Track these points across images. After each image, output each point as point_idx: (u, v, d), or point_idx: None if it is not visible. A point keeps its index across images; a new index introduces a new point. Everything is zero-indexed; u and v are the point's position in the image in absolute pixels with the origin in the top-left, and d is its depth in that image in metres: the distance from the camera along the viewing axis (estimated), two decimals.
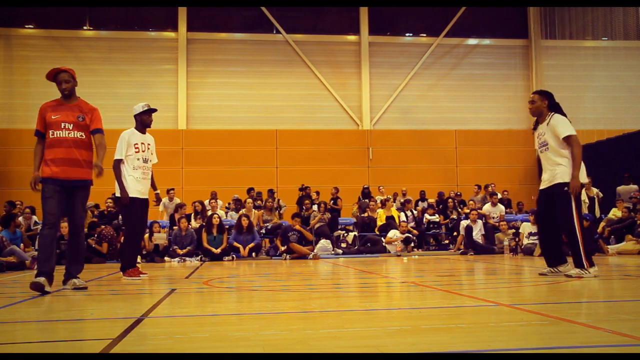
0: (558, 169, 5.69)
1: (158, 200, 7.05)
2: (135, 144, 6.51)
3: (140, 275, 6.56)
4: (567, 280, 5.42)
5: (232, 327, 3.10)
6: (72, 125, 5.18)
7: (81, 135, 5.22)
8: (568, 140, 5.66)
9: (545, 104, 5.90)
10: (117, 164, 6.47)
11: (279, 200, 15.04)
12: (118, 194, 6.53)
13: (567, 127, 5.69)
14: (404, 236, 12.51)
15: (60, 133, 5.14)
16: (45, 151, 5.17)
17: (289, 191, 16.53)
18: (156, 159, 6.84)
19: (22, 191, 15.56)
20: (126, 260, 6.63)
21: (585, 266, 5.57)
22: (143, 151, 6.55)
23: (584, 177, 5.70)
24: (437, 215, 14.79)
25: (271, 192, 15.36)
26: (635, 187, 13.47)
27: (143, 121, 6.64)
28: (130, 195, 6.42)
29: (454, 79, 19.55)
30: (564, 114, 5.83)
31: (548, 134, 5.79)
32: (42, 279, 4.88)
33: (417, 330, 2.82)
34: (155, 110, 6.73)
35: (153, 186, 6.87)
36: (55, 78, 5.25)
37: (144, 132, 6.68)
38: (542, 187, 5.95)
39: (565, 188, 5.61)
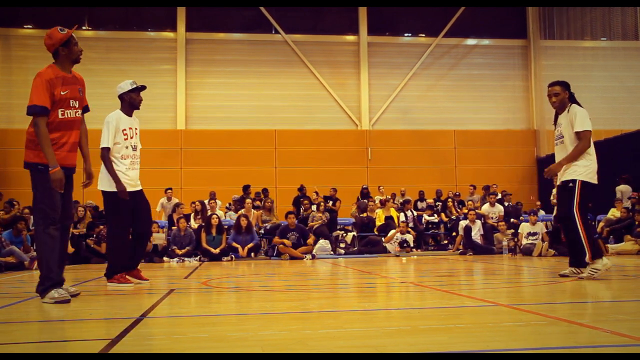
0: (569, 167, 5.55)
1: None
2: (123, 130, 5.63)
3: (128, 283, 5.59)
4: (567, 280, 5.42)
5: (231, 327, 3.10)
6: (77, 102, 4.48)
7: (80, 115, 4.55)
8: (579, 134, 5.51)
9: (567, 95, 5.73)
10: (106, 152, 5.56)
11: (271, 201, 15.04)
12: (104, 188, 5.58)
13: (585, 120, 5.52)
14: (402, 237, 12.51)
15: (70, 113, 4.41)
16: (51, 134, 4.29)
17: (288, 191, 16.52)
18: (140, 144, 5.90)
19: (20, 191, 15.56)
20: (111, 262, 5.69)
21: (587, 258, 5.39)
22: (131, 137, 5.69)
23: (593, 178, 5.54)
24: (435, 216, 14.78)
25: (265, 192, 15.39)
26: (628, 187, 13.52)
27: (132, 101, 5.73)
28: (109, 189, 5.56)
29: (452, 79, 19.55)
30: (579, 104, 5.68)
31: (565, 126, 5.63)
32: (66, 294, 4.24)
33: (415, 330, 2.82)
34: (144, 87, 5.87)
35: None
36: (70, 41, 4.50)
37: (130, 115, 5.78)
38: (557, 183, 5.83)
39: (570, 184, 5.50)
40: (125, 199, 5.54)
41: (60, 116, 4.35)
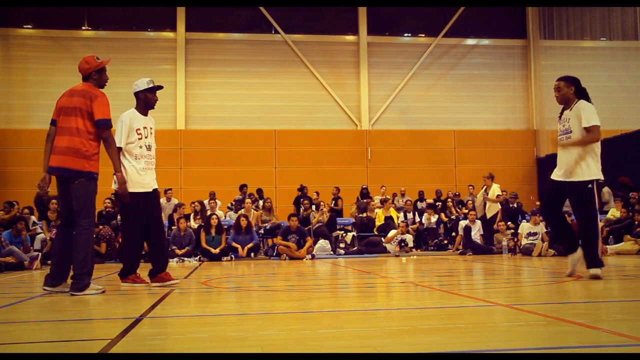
0: (578, 165, 5.47)
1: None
2: (137, 129, 5.46)
3: (143, 283, 5.54)
4: (566, 280, 5.42)
5: (231, 327, 3.10)
6: None
7: None
8: (589, 128, 5.42)
9: (572, 91, 5.66)
10: (118, 152, 5.41)
11: (270, 201, 15.04)
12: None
13: (593, 115, 5.45)
14: (401, 237, 12.51)
15: None
16: (96, 144, 4.92)
17: (288, 191, 16.52)
18: (155, 144, 5.73)
19: (19, 191, 15.56)
20: (126, 263, 5.63)
21: (603, 264, 5.44)
22: (146, 137, 5.51)
23: (599, 174, 5.49)
24: (435, 215, 14.70)
25: (259, 192, 15.38)
26: (607, 189, 13.61)
27: (147, 100, 5.61)
28: (132, 190, 5.34)
29: (452, 79, 19.55)
30: (590, 102, 5.61)
31: (572, 121, 5.56)
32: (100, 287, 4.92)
33: (415, 330, 2.82)
34: (161, 87, 5.75)
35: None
36: (103, 70, 5.21)
37: (145, 114, 5.63)
38: (554, 177, 5.68)
39: (590, 185, 5.40)
40: (137, 203, 5.39)
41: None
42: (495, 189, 12.77)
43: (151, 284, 5.47)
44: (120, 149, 5.40)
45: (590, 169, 5.45)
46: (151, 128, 5.61)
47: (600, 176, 5.48)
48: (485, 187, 12.97)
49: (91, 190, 4.87)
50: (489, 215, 12.60)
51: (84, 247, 4.80)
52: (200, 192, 15.37)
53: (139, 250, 5.70)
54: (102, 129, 4.89)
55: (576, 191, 5.50)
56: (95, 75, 5.05)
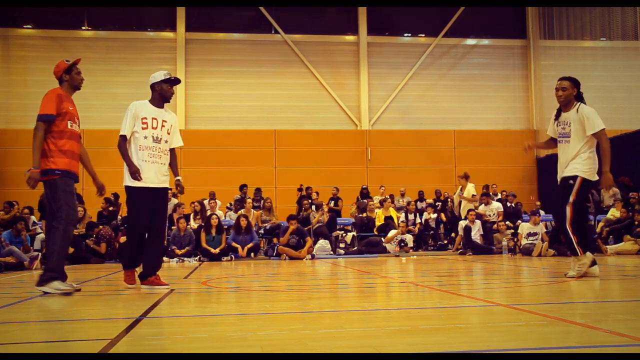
0: (571, 164, 5.51)
1: (179, 187, 5.55)
2: (143, 118, 5.25)
3: (134, 285, 5.34)
4: (566, 280, 5.42)
5: (231, 327, 3.10)
6: (78, 121, 5.13)
7: (80, 131, 5.23)
8: (597, 134, 5.44)
9: (575, 92, 5.66)
10: (121, 140, 5.21)
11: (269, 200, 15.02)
12: (124, 183, 5.23)
13: (597, 120, 5.45)
14: (400, 237, 12.50)
15: (75, 127, 5.03)
16: (58, 141, 4.86)
17: (288, 191, 16.51)
18: (180, 142, 5.54)
19: (19, 191, 15.55)
20: (124, 260, 5.52)
21: (579, 253, 5.45)
22: (154, 128, 5.28)
23: (593, 175, 5.53)
24: (435, 214, 14.71)
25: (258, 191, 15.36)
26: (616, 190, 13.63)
27: (163, 92, 5.39)
28: (130, 184, 5.17)
29: (452, 79, 19.55)
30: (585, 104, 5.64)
31: (575, 125, 5.54)
32: (71, 288, 4.83)
33: (415, 330, 2.82)
34: (178, 81, 5.57)
35: (174, 171, 5.57)
36: (72, 69, 5.07)
37: (160, 107, 5.42)
38: (558, 177, 5.76)
39: (570, 181, 5.44)
40: (138, 197, 5.18)
41: (69, 127, 4.95)
42: (470, 189, 12.91)
43: (141, 285, 5.29)
44: (123, 137, 5.22)
45: (577, 167, 5.50)
46: (164, 121, 5.37)
47: (585, 175, 5.47)
48: (461, 187, 13.13)
49: (59, 189, 4.81)
50: (463, 215, 12.73)
51: (51, 245, 4.89)
52: (200, 192, 15.36)
53: (137, 248, 5.36)
54: (37, 122, 4.87)
55: (560, 185, 5.60)
56: (67, 77, 5.06)
